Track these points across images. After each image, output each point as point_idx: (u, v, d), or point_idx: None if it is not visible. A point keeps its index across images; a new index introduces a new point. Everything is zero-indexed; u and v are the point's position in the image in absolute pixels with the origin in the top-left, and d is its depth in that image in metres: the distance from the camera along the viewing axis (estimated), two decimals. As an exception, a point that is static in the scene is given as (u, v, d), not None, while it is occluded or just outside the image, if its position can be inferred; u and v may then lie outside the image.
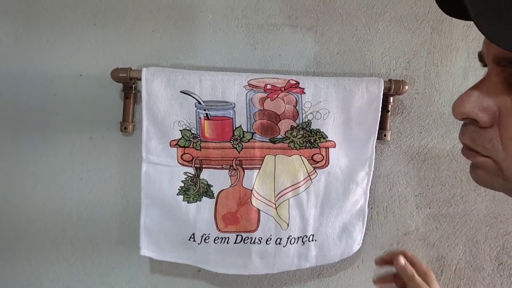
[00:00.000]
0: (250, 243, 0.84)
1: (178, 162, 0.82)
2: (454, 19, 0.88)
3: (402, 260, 0.63)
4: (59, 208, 0.90)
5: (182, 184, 0.82)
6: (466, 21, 0.96)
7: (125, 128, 0.85)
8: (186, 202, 0.83)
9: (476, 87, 0.38)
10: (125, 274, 0.93)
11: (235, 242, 0.84)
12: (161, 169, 0.82)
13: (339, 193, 0.84)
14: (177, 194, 0.82)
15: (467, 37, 0.88)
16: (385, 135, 0.86)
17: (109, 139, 0.88)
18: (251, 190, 0.83)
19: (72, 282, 0.93)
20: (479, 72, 0.89)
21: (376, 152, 0.83)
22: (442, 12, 0.42)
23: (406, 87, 0.82)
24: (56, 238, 0.91)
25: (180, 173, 0.82)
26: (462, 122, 0.40)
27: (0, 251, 0.91)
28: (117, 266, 0.92)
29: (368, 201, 0.86)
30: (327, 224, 0.85)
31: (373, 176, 0.85)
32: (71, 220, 0.90)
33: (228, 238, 0.84)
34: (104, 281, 0.93)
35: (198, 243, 0.83)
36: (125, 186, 0.89)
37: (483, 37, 0.33)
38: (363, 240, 0.88)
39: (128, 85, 0.84)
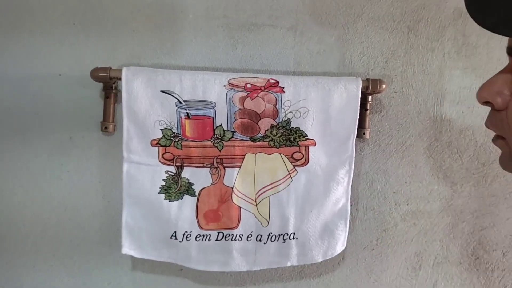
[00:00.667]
0: (231, 240, 0.85)
1: (159, 161, 0.82)
2: (430, 20, 0.91)
3: None
4: (39, 209, 0.89)
5: (164, 183, 0.83)
6: (442, 22, 0.97)
7: (105, 127, 0.85)
8: (168, 200, 0.83)
9: (497, 74, 0.43)
10: (107, 274, 0.92)
11: (216, 239, 0.85)
12: (142, 168, 0.82)
13: (319, 192, 0.85)
14: (158, 193, 0.83)
15: (443, 37, 0.91)
16: (364, 133, 0.88)
17: (90, 139, 0.88)
18: (232, 188, 0.83)
19: (53, 284, 0.92)
20: (454, 72, 0.91)
21: (355, 150, 0.85)
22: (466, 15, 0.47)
23: (384, 86, 0.83)
24: (36, 240, 0.90)
25: (161, 172, 0.82)
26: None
27: (-22, 253, 0.90)
28: (99, 266, 0.92)
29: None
30: (308, 223, 0.85)
31: (353, 174, 0.86)
32: (51, 221, 0.90)
33: (210, 235, 0.84)
34: (85, 281, 0.92)
35: (180, 241, 0.83)
36: (106, 186, 0.89)
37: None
38: (344, 238, 0.89)
39: (108, 85, 0.83)
